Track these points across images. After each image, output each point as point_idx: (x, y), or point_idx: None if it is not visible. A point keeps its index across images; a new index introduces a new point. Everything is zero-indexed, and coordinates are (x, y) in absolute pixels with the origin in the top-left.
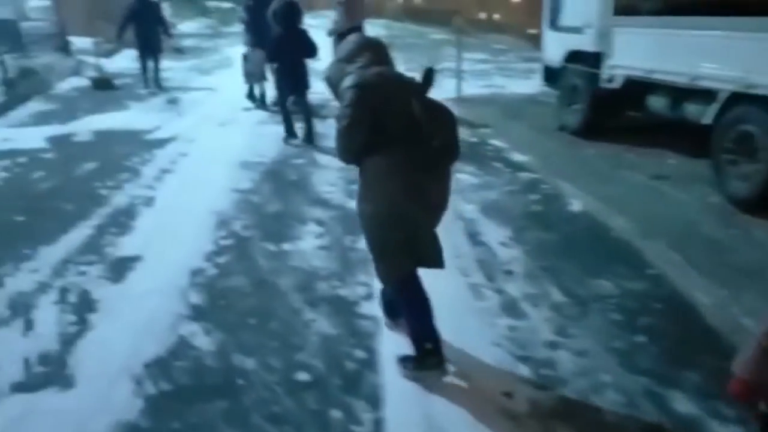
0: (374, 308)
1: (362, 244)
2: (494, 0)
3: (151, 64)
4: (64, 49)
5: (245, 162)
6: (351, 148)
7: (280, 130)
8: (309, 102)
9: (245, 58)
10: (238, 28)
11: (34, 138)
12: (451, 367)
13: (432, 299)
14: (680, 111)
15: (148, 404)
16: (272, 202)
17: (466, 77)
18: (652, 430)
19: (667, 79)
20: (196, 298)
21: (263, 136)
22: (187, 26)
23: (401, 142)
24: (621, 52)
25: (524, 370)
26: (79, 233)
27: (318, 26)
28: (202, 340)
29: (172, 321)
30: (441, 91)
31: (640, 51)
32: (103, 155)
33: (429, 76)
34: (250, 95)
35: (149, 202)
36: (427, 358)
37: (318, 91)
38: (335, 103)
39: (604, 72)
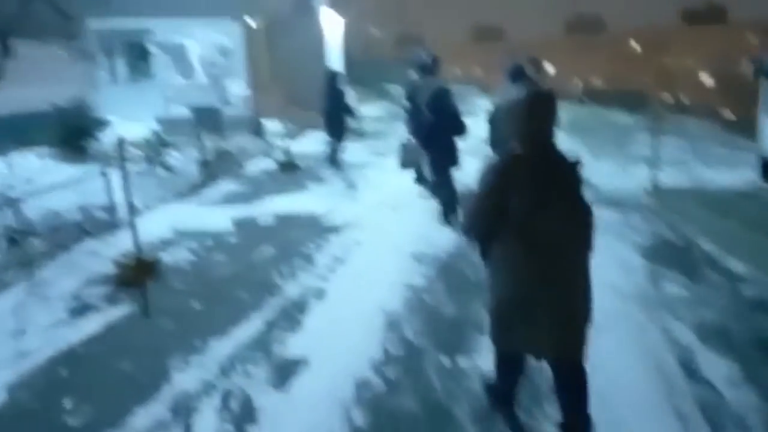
0: None
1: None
2: (682, 81)
3: (335, 144)
4: (257, 131)
5: (419, 253)
6: (475, 229)
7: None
8: (453, 181)
9: (403, 146)
10: None
11: (221, 219)
12: None
13: None
14: None
15: None
16: (447, 305)
17: (661, 165)
18: None
19: None
20: (360, 417)
21: (438, 226)
22: (367, 109)
23: (533, 231)
24: None
25: None
26: (250, 326)
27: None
28: None
29: None
30: (633, 180)
31: None
32: (281, 240)
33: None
34: (420, 179)
35: (320, 294)
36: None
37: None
38: None
39: None
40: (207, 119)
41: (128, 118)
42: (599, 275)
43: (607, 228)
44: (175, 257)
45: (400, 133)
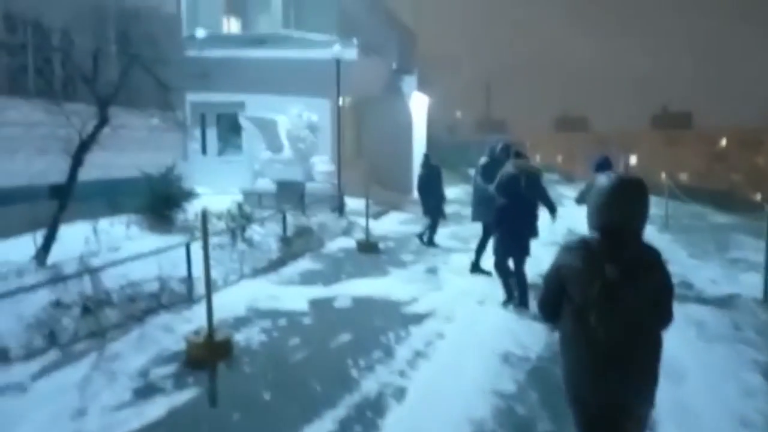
0: None
1: None
2: None
3: (432, 225)
4: (339, 209)
5: (507, 354)
6: (544, 309)
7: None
8: (524, 270)
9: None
10: None
11: (298, 299)
12: None
13: None
14: None
15: None
16: (543, 419)
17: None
18: None
19: None
20: None
21: (526, 321)
22: (449, 192)
23: (590, 318)
24: None
25: None
26: (321, 427)
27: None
28: None
29: None
30: (742, 288)
31: None
32: (359, 326)
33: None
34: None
35: (400, 394)
36: None
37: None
38: None
39: None
40: (291, 194)
41: (215, 190)
42: (718, 399)
43: (718, 340)
44: (248, 337)
45: None
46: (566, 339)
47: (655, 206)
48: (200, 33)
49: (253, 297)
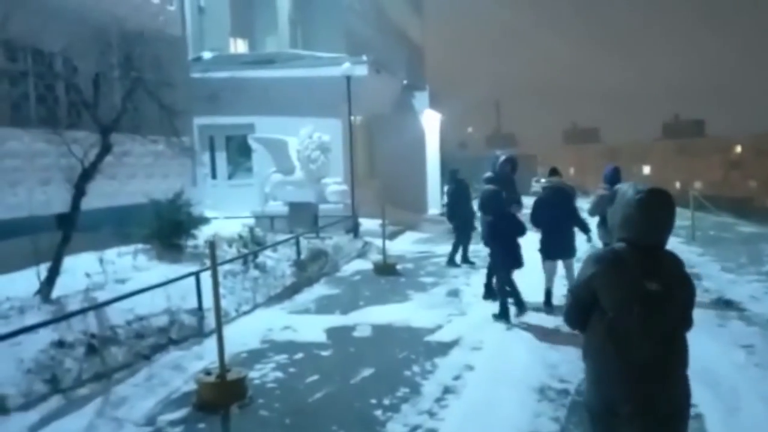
0: None
1: None
2: None
3: (463, 244)
4: (354, 230)
5: (544, 387)
6: (572, 320)
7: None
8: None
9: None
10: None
11: (314, 329)
12: None
13: None
14: None
15: None
16: None
17: None
18: None
19: None
20: None
21: (563, 350)
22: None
23: (620, 328)
24: None
25: None
26: None
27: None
28: None
29: None
30: None
31: None
32: (380, 359)
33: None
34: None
35: None
36: None
37: None
38: None
39: None
40: (303, 216)
41: (226, 214)
42: None
43: None
44: (263, 374)
45: None
46: (595, 350)
47: (680, 217)
48: (207, 55)
49: (268, 328)
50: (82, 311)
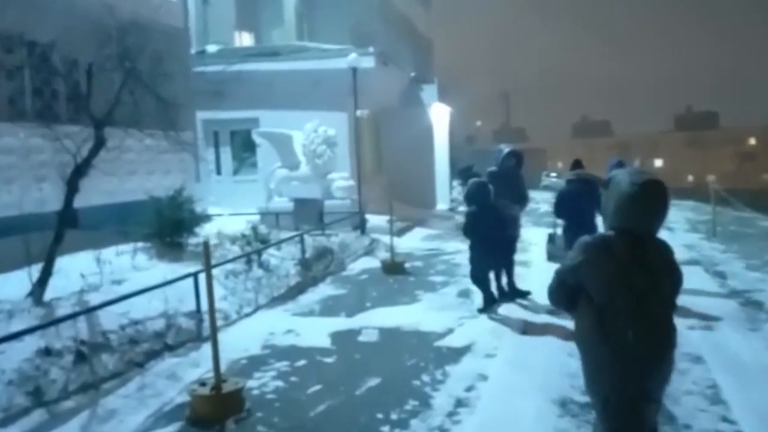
0: None
1: None
2: None
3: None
4: (361, 227)
5: (565, 400)
6: (557, 301)
7: None
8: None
9: (551, 237)
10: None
11: (318, 333)
12: None
13: None
14: None
15: None
16: None
17: None
18: None
19: None
20: None
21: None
22: None
23: (610, 314)
24: None
25: None
26: None
27: None
28: None
29: None
30: None
31: None
32: (388, 366)
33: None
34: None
35: None
36: None
37: None
38: None
39: None
40: (309, 212)
41: (231, 211)
42: None
43: None
44: (262, 383)
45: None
46: (586, 337)
47: (699, 212)
48: (211, 48)
49: (270, 331)
50: (72, 316)
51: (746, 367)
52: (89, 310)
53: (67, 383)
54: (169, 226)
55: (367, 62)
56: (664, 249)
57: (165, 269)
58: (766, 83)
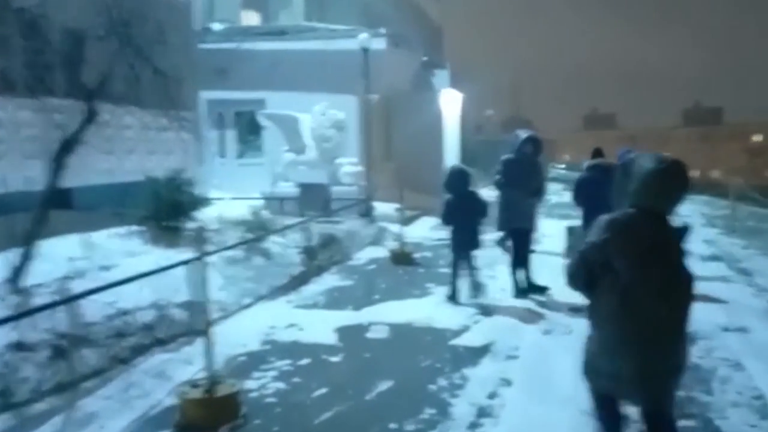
0: None
1: None
2: None
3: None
4: (368, 214)
5: None
6: (579, 281)
7: None
8: (474, 262)
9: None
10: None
11: (323, 328)
12: None
13: None
14: None
15: None
16: None
17: None
18: None
19: None
20: None
21: None
22: (484, 193)
23: (634, 291)
24: None
25: None
26: None
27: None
28: None
29: None
30: None
31: None
32: (400, 367)
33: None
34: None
35: None
36: None
37: None
38: None
39: None
40: (315, 198)
41: (235, 195)
42: None
43: None
44: (261, 384)
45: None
46: (610, 315)
47: (714, 207)
48: (216, 26)
49: (271, 324)
50: (50, 306)
51: None
52: (70, 299)
53: (40, 382)
54: (166, 209)
55: (378, 43)
56: (676, 232)
57: (160, 255)
58: None
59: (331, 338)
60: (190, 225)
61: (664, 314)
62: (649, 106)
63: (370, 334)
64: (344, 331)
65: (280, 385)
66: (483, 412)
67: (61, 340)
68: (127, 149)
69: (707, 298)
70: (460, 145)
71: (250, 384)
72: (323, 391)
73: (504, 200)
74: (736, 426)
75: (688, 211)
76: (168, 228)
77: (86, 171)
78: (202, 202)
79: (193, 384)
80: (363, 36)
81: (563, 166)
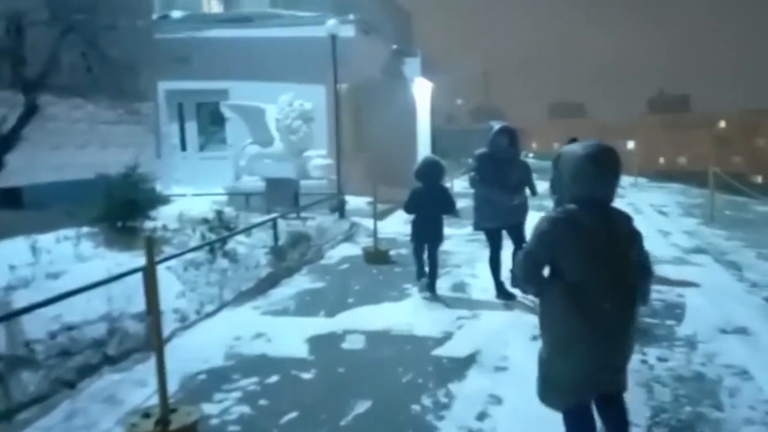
0: None
1: None
2: None
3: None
4: (340, 210)
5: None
6: (530, 283)
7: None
8: (438, 255)
9: None
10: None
11: (294, 338)
12: None
13: None
14: None
15: None
16: None
17: None
18: None
19: None
20: None
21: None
22: (457, 184)
23: (582, 289)
24: None
25: None
26: None
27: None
28: None
29: None
30: None
31: None
32: (379, 384)
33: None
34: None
35: None
36: None
37: None
38: None
39: None
40: (283, 193)
41: (198, 190)
42: None
43: None
44: (223, 409)
45: None
46: (556, 313)
47: (690, 196)
48: (176, 13)
49: (235, 335)
50: None
51: None
52: (8, 317)
53: None
54: (120, 209)
55: (347, 30)
56: (625, 218)
57: (113, 259)
58: (736, 67)
59: (302, 350)
60: (148, 225)
61: (615, 309)
62: (616, 95)
63: (345, 345)
64: (316, 342)
65: (245, 409)
66: None
67: None
68: (79, 144)
69: (699, 296)
70: (431, 136)
71: (210, 408)
72: (293, 415)
73: (478, 198)
74: None
75: (664, 201)
76: (123, 229)
77: (34, 168)
78: (161, 199)
79: (145, 413)
80: (331, 22)
81: (532, 155)
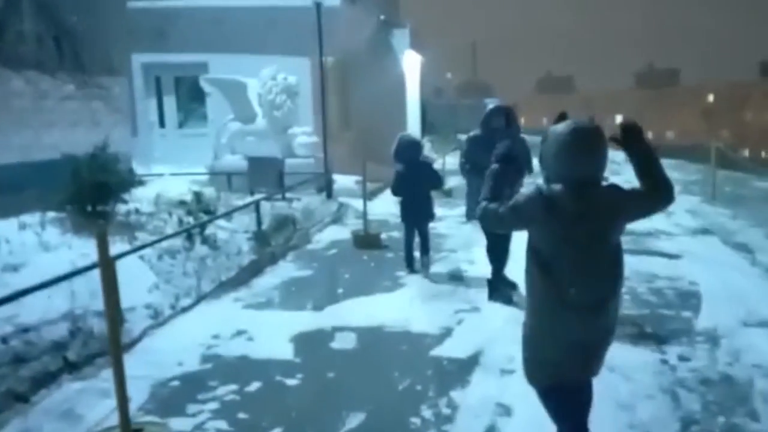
0: None
1: None
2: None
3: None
4: (327, 190)
5: None
6: (493, 227)
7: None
8: (428, 231)
9: None
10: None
11: (278, 336)
12: None
13: None
14: None
15: None
16: None
17: None
18: None
19: None
20: None
21: (636, 378)
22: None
23: (557, 266)
24: None
25: None
26: None
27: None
28: None
29: None
30: None
31: None
32: (373, 393)
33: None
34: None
35: None
36: None
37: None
38: None
39: None
40: (267, 172)
41: (177, 169)
42: None
43: None
44: (197, 424)
45: None
46: (535, 292)
47: (687, 172)
48: None
49: (214, 333)
50: None
51: None
52: None
53: None
54: (88, 192)
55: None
56: (612, 192)
57: (80, 248)
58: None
59: (287, 351)
60: (122, 209)
61: (585, 292)
62: (604, 68)
63: (334, 344)
64: (303, 341)
65: (222, 424)
66: None
67: None
68: (46, 122)
69: (712, 283)
70: (420, 111)
71: (182, 424)
72: (278, 429)
73: (472, 185)
74: None
75: None
76: (93, 213)
77: None
78: (134, 181)
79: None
80: None
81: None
